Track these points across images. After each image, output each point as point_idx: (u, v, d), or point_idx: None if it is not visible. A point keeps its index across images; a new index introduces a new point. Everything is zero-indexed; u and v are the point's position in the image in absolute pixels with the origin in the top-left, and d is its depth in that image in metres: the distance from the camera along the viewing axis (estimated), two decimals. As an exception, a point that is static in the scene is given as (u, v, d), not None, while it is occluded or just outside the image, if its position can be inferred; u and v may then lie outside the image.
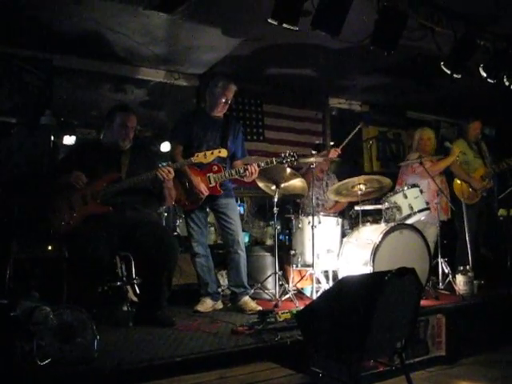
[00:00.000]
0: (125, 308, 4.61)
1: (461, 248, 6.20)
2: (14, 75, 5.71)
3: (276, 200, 5.40)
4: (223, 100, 4.96)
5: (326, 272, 5.58)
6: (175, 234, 6.22)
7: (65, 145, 6.07)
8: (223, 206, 4.98)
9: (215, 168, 4.86)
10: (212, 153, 4.47)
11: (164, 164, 4.52)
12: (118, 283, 4.52)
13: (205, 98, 5.20)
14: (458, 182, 6.45)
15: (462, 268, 5.65)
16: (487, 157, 6.74)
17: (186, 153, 4.84)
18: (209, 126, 4.99)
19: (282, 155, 4.87)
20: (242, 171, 4.82)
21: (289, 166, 5.14)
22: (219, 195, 4.93)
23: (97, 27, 5.38)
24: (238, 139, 5.15)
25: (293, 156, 4.85)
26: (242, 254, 5.01)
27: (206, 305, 4.91)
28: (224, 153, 4.55)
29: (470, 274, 5.59)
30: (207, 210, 5.09)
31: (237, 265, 4.99)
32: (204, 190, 4.79)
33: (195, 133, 4.94)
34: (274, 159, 4.86)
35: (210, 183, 4.83)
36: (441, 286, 5.73)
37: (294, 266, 5.48)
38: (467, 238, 5.85)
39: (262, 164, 4.85)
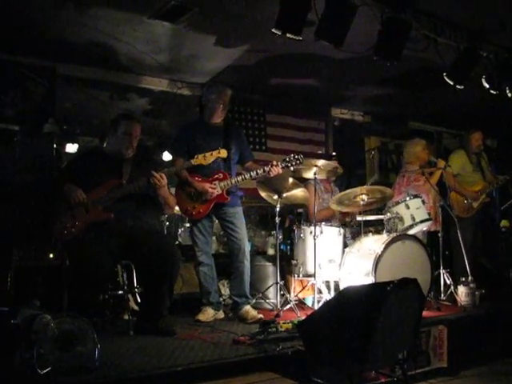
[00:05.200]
0: (126, 317, 4.59)
1: (457, 260, 6.19)
2: (17, 83, 5.74)
3: (278, 210, 5.40)
4: (221, 106, 4.96)
5: (328, 282, 5.57)
6: (177, 242, 6.21)
7: (67, 153, 6.09)
8: (231, 214, 4.97)
9: (220, 175, 4.85)
10: (211, 154, 4.42)
11: (163, 170, 4.50)
12: (120, 292, 4.50)
13: (203, 108, 5.21)
14: (454, 194, 6.46)
15: (463, 279, 5.63)
16: (487, 170, 6.73)
17: None
18: (210, 134, 4.98)
19: (287, 158, 4.87)
20: (266, 169, 4.80)
21: (294, 170, 5.10)
22: (227, 204, 4.92)
23: (100, 36, 5.41)
24: (241, 143, 5.16)
25: (297, 159, 4.85)
26: (247, 264, 4.99)
27: (207, 314, 4.89)
28: (224, 153, 4.51)
29: (471, 285, 5.56)
30: (213, 219, 5.08)
31: (241, 274, 4.97)
32: (211, 188, 4.78)
33: (198, 144, 4.92)
34: (279, 163, 4.85)
35: (217, 191, 4.82)
36: (443, 296, 5.72)
37: (296, 275, 5.46)
38: (463, 251, 5.84)
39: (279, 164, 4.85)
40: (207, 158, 4.41)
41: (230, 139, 5.02)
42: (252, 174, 4.85)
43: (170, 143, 5.34)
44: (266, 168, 4.81)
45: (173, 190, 4.91)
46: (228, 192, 4.90)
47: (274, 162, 4.83)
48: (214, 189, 4.80)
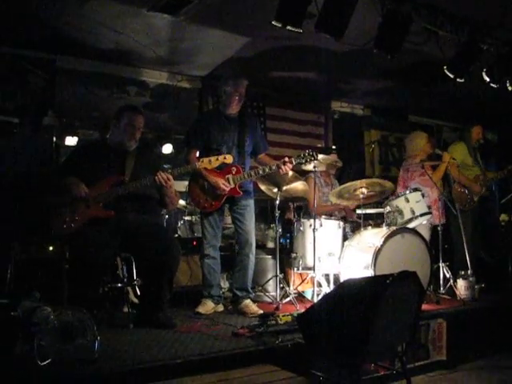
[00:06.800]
0: (125, 309, 4.60)
1: (458, 253, 6.21)
2: (17, 75, 5.73)
3: (278, 203, 5.40)
4: (237, 97, 4.93)
5: (327, 275, 5.57)
6: (176, 235, 6.22)
7: (67, 145, 6.08)
8: (242, 207, 4.97)
9: (234, 169, 4.83)
10: (217, 159, 4.38)
11: (166, 166, 4.49)
12: (119, 284, 4.51)
13: (218, 99, 5.20)
14: (457, 187, 6.45)
15: (463, 273, 5.64)
16: (482, 165, 6.74)
17: (205, 156, 4.81)
18: (225, 126, 4.96)
19: (302, 154, 4.86)
20: (274, 168, 4.81)
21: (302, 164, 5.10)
22: (241, 196, 4.92)
23: (100, 28, 5.39)
24: (256, 134, 5.14)
25: (312, 155, 4.84)
26: (252, 258, 5.00)
27: (207, 307, 4.90)
28: (229, 159, 4.48)
29: (471, 278, 5.58)
30: (225, 212, 5.08)
31: (245, 268, 4.98)
32: (224, 185, 4.76)
33: (213, 135, 4.92)
34: (292, 159, 4.82)
35: (230, 184, 4.81)
36: (442, 290, 5.72)
37: (295, 268, 5.46)
38: (464, 244, 5.86)
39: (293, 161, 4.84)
40: (212, 162, 4.37)
41: (245, 131, 5.01)
42: (266, 169, 4.83)
43: (185, 135, 5.30)
44: (278, 163, 4.80)
45: (184, 183, 4.92)
46: (241, 186, 4.89)
47: (287, 159, 4.80)
48: (227, 186, 4.78)
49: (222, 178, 4.80)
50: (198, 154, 5.01)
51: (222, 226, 5.29)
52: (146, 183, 4.26)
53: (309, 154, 4.85)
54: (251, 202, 5.07)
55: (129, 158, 4.43)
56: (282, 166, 4.78)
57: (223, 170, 4.81)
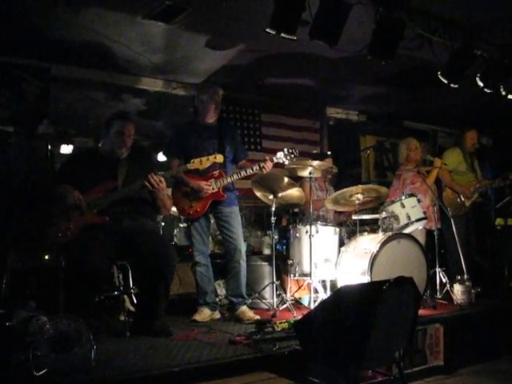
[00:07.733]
0: (122, 318, 4.58)
1: (452, 258, 6.22)
2: (12, 84, 5.71)
3: (273, 209, 5.40)
4: (213, 105, 4.98)
5: (324, 281, 5.57)
6: (172, 243, 6.21)
7: (62, 154, 6.07)
8: (227, 214, 4.98)
9: (216, 173, 4.87)
10: (208, 159, 4.43)
11: (160, 173, 4.49)
12: (115, 293, 4.50)
13: (196, 109, 5.24)
14: (448, 192, 6.47)
15: (459, 277, 5.64)
16: (480, 172, 6.75)
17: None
18: (204, 134, 5.00)
19: (282, 153, 4.94)
20: (257, 168, 4.86)
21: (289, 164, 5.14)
22: (224, 203, 4.94)
23: (95, 36, 5.39)
24: (235, 141, 5.18)
25: (292, 153, 4.91)
26: (243, 264, 5.00)
27: (204, 314, 4.90)
28: (220, 158, 4.53)
29: (467, 283, 5.57)
30: (211, 218, 5.09)
31: (237, 274, 4.98)
32: (207, 185, 4.80)
33: (193, 144, 4.95)
34: (273, 157, 4.90)
35: (213, 188, 4.84)
36: (438, 295, 5.72)
37: (292, 275, 5.46)
38: (459, 248, 5.87)
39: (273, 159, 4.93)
40: (203, 162, 4.40)
41: (225, 138, 5.04)
42: (248, 170, 4.89)
43: (164, 145, 5.34)
44: (261, 164, 4.84)
45: (169, 191, 4.92)
46: (224, 189, 4.90)
47: (267, 157, 4.89)
48: (210, 186, 4.81)
49: (204, 181, 4.82)
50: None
51: (216, 234, 5.29)
52: (138, 187, 4.26)
53: (288, 151, 4.96)
54: (236, 209, 5.08)
55: (121, 165, 4.43)
56: (264, 165, 4.83)
57: (205, 175, 4.83)
